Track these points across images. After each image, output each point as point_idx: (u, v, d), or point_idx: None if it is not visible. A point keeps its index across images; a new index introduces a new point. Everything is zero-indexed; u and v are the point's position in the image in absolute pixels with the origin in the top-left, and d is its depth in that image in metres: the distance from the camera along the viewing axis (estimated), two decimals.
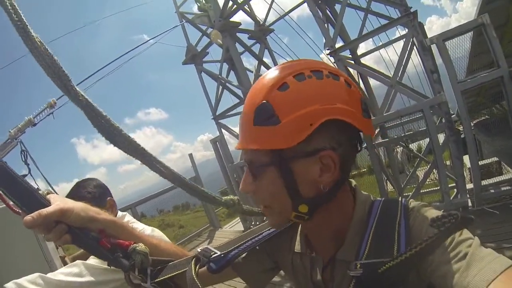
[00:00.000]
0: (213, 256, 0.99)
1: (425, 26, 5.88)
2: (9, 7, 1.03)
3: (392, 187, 6.82)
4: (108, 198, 1.89)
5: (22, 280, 1.26)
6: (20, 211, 0.83)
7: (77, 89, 1.18)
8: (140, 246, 0.93)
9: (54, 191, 4.11)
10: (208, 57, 8.92)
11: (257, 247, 1.04)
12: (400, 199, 0.86)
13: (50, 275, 1.33)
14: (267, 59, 8.60)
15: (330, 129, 0.76)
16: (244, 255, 1.03)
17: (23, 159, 3.59)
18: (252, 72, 8.13)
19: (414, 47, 5.64)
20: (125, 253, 0.92)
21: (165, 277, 0.96)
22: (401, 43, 5.59)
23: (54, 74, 1.11)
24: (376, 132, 6.48)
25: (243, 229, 8.49)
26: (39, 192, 0.85)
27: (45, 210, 0.81)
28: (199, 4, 8.24)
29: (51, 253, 2.49)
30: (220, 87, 8.46)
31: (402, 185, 6.62)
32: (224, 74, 8.42)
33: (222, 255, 0.99)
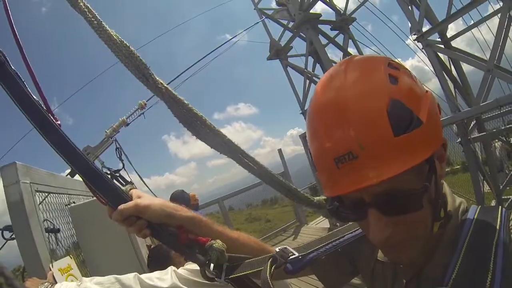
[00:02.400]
0: (290, 257, 0.95)
1: None
2: (83, 7, 1.13)
3: (489, 188, 6.09)
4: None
5: (122, 277, 1.42)
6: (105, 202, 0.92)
7: (156, 77, 1.19)
8: (217, 243, 0.94)
9: (145, 183, 4.55)
10: (292, 51, 8.97)
11: (339, 249, 0.98)
12: (500, 210, 0.74)
13: (145, 278, 1.45)
14: (351, 49, 8.36)
15: None
16: (323, 257, 0.98)
17: (118, 156, 4.09)
18: None
19: None
20: (202, 249, 0.94)
21: (239, 274, 0.95)
22: (496, 20, 4.90)
23: (132, 64, 1.15)
24: (472, 125, 5.87)
25: (329, 226, 8.39)
26: (123, 188, 0.94)
27: (122, 205, 0.89)
28: None
29: (138, 241, 2.71)
30: (307, 81, 8.43)
31: (501, 186, 5.84)
32: (310, 67, 8.35)
33: (300, 257, 0.95)
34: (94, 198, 2.67)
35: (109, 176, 3.80)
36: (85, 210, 2.68)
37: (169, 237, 0.94)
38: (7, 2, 1.06)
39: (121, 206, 0.89)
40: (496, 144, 7.32)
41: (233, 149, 1.35)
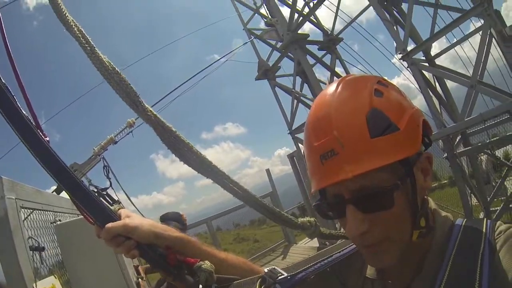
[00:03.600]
0: (279, 278, 0.94)
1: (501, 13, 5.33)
2: (77, 32, 1.13)
3: (477, 201, 6.17)
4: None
5: None
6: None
7: (146, 105, 1.21)
8: (206, 264, 0.94)
9: (132, 203, 4.47)
10: (280, 71, 9.07)
11: (327, 269, 0.99)
12: (485, 222, 0.77)
13: None
14: (339, 69, 8.53)
15: (422, 129, 0.75)
16: (312, 276, 0.98)
17: (105, 174, 4.00)
18: (325, 83, 8.11)
19: (493, 40, 5.06)
20: (190, 270, 0.93)
21: None
22: (477, 38, 5.07)
23: (122, 91, 1.14)
24: (457, 140, 5.98)
25: (318, 245, 8.34)
26: (111, 207, 0.93)
27: (110, 224, 0.87)
28: (265, 20, 8.51)
29: (125, 261, 2.68)
30: (295, 101, 8.51)
31: (489, 198, 5.97)
32: (298, 87, 8.45)
33: (289, 277, 0.94)
34: (81, 216, 2.66)
35: (96, 194, 3.72)
36: (71, 228, 2.63)
37: (157, 258, 0.92)
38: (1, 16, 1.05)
39: (109, 225, 0.87)
40: (482, 157, 7.46)
41: (218, 174, 1.38)
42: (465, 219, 0.80)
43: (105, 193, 3.81)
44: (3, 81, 0.84)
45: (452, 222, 0.81)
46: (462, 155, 5.71)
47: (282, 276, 0.93)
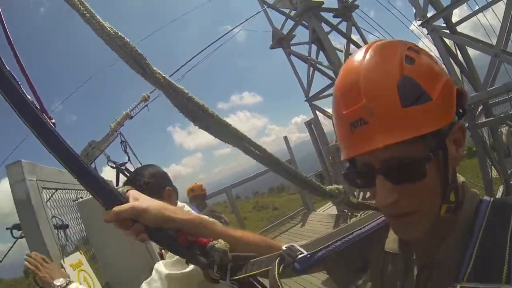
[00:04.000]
0: (299, 256, 0.92)
1: None
2: (77, 2, 1.08)
3: (497, 173, 6.00)
4: (167, 188, 1.84)
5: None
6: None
7: (154, 67, 1.15)
8: (220, 243, 0.91)
9: None
10: (295, 39, 8.89)
11: (348, 246, 0.96)
12: None
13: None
14: (355, 36, 8.27)
15: (456, 99, 0.71)
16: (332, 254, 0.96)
17: (123, 149, 4.13)
18: (341, 51, 7.92)
19: None
20: (204, 251, 0.91)
21: (245, 275, 0.93)
22: (502, 4, 4.79)
23: (127, 55, 1.09)
24: (479, 110, 5.80)
25: (336, 212, 8.41)
26: (120, 189, 0.91)
27: (118, 207, 0.84)
28: None
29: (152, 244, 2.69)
30: (311, 69, 8.37)
31: (509, 171, 5.78)
32: (314, 55, 8.27)
33: (309, 256, 0.93)
34: None
35: (115, 169, 3.81)
36: (93, 204, 2.68)
37: (168, 240, 0.90)
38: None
39: (116, 208, 0.84)
40: (503, 129, 7.24)
41: (237, 136, 1.25)
42: (492, 198, 0.77)
43: (123, 167, 3.89)
44: (7, 67, 0.83)
45: (480, 198, 0.78)
46: (483, 126, 5.54)
47: (302, 255, 0.92)
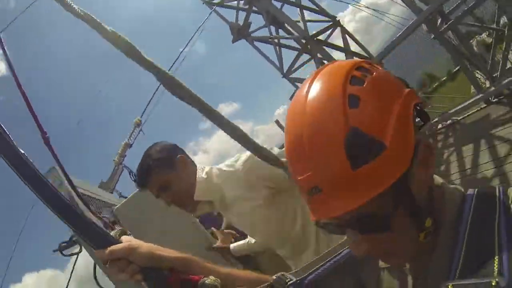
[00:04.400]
0: (289, 283, 0.93)
1: None
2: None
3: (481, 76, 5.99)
4: (179, 156, 1.83)
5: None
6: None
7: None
8: (210, 279, 0.92)
9: None
10: (252, 27, 9.01)
11: (339, 264, 0.94)
12: (497, 188, 0.71)
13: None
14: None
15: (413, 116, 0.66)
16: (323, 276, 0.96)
17: (133, 179, 4.31)
18: (299, 21, 8.10)
19: None
20: (195, 287, 0.94)
21: None
22: None
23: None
24: (439, 23, 5.91)
25: None
26: (112, 233, 0.95)
27: (113, 247, 0.87)
28: None
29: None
30: (277, 47, 8.50)
31: (497, 75, 5.61)
32: (274, 34, 8.39)
33: (298, 282, 0.93)
34: (133, 193, 2.88)
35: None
36: (130, 207, 2.79)
37: (161, 281, 0.93)
38: None
39: (113, 247, 0.87)
40: (473, 42, 7.26)
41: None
42: (476, 189, 0.74)
43: None
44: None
45: (463, 193, 0.77)
46: (446, 31, 5.67)
47: (292, 281, 0.92)
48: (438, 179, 0.78)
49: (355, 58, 0.73)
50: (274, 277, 0.94)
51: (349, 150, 0.58)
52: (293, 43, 8.40)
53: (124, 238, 0.93)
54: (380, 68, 0.69)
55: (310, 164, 0.63)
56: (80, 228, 0.87)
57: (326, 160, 0.61)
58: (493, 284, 0.52)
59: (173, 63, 7.65)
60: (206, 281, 0.90)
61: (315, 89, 0.67)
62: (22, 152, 0.83)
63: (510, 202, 0.66)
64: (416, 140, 0.64)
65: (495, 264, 0.56)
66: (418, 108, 0.69)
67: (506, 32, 5.79)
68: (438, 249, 0.70)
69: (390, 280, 0.84)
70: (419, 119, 0.72)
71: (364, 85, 0.63)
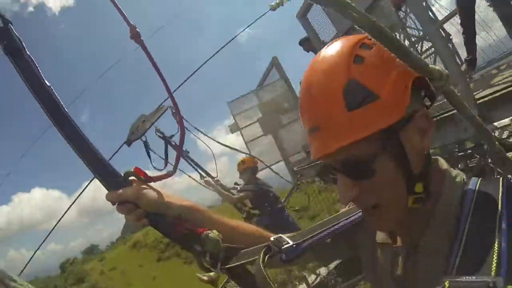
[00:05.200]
0: (285, 246, 0.94)
1: None
2: None
3: None
4: None
5: None
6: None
7: None
8: (213, 233, 0.95)
9: (208, 137, 4.96)
10: None
11: (336, 234, 0.96)
12: (501, 179, 0.71)
13: None
14: None
15: (415, 87, 0.70)
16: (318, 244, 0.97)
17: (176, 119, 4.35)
18: None
19: None
20: (198, 239, 0.95)
21: (235, 264, 0.96)
22: None
23: None
24: None
25: None
26: (123, 174, 0.95)
27: (121, 190, 0.90)
28: None
29: None
30: None
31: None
32: None
33: (295, 246, 0.94)
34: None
35: (163, 139, 4.09)
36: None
37: (166, 227, 0.95)
38: None
39: (120, 191, 0.90)
40: None
41: None
42: (479, 179, 0.74)
43: (171, 140, 4.15)
44: (29, 53, 0.89)
45: (464, 181, 0.76)
46: None
47: (288, 245, 0.93)
48: (442, 163, 0.81)
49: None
50: (272, 238, 0.97)
51: (346, 95, 0.67)
52: None
53: (134, 181, 0.95)
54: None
55: (313, 107, 0.73)
56: (95, 167, 0.91)
57: (326, 103, 0.69)
58: (490, 285, 0.51)
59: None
60: (210, 235, 0.94)
61: (329, 49, 0.75)
62: (48, 84, 0.88)
63: None
64: (415, 107, 0.71)
65: (493, 263, 0.56)
66: (422, 85, 0.73)
67: None
68: (431, 230, 0.73)
69: (385, 255, 0.86)
70: (425, 97, 0.78)
71: (371, 49, 0.71)
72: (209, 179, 4.89)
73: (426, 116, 0.73)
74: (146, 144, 3.80)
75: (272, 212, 4.88)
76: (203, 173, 5.01)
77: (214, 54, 6.08)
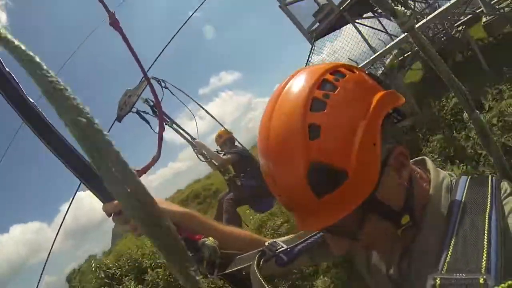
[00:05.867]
0: (279, 250, 0.96)
1: None
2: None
3: None
4: None
5: None
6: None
7: None
8: (209, 240, 0.96)
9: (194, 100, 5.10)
10: None
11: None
12: (489, 181, 0.72)
13: None
14: None
15: (383, 126, 0.66)
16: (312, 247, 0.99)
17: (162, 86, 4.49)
18: None
19: None
20: (195, 246, 0.95)
21: (231, 270, 0.97)
22: None
23: None
24: None
25: None
26: None
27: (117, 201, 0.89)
28: None
29: None
30: None
31: None
32: None
33: (288, 249, 0.96)
34: None
35: (152, 108, 4.12)
36: None
37: None
38: None
39: (115, 201, 0.88)
40: None
41: None
42: (469, 177, 0.76)
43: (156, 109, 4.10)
44: (7, 68, 0.85)
45: (454, 180, 0.77)
46: None
47: (282, 249, 0.96)
48: (429, 165, 0.82)
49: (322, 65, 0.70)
50: (266, 243, 1.00)
51: (312, 182, 0.62)
52: None
53: None
54: (352, 75, 0.68)
55: (280, 191, 0.68)
56: (88, 180, 0.89)
57: (293, 191, 0.65)
58: (480, 281, 0.53)
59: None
60: (206, 242, 0.96)
61: (279, 112, 0.67)
62: (32, 101, 0.84)
63: (502, 197, 0.68)
64: (388, 150, 0.67)
65: (483, 260, 0.57)
66: (392, 112, 0.70)
67: None
68: (422, 233, 0.74)
69: (378, 258, 0.89)
70: (396, 118, 0.74)
71: (325, 110, 0.63)
72: (200, 140, 4.97)
73: (400, 151, 0.70)
74: (139, 113, 3.85)
75: (255, 175, 4.93)
76: (192, 135, 5.10)
77: (174, 35, 6.38)
